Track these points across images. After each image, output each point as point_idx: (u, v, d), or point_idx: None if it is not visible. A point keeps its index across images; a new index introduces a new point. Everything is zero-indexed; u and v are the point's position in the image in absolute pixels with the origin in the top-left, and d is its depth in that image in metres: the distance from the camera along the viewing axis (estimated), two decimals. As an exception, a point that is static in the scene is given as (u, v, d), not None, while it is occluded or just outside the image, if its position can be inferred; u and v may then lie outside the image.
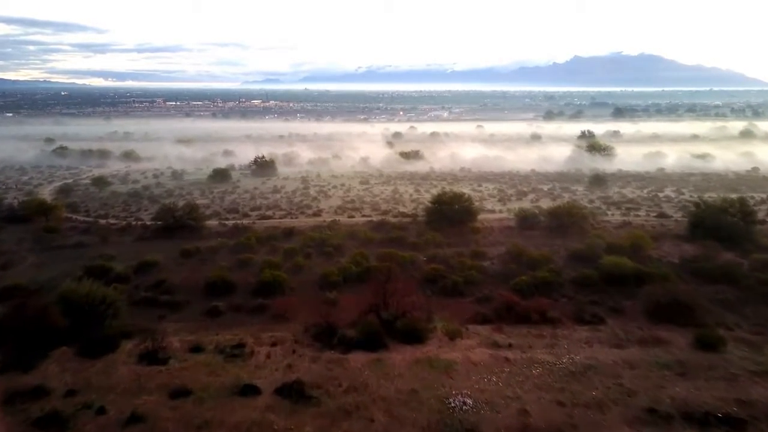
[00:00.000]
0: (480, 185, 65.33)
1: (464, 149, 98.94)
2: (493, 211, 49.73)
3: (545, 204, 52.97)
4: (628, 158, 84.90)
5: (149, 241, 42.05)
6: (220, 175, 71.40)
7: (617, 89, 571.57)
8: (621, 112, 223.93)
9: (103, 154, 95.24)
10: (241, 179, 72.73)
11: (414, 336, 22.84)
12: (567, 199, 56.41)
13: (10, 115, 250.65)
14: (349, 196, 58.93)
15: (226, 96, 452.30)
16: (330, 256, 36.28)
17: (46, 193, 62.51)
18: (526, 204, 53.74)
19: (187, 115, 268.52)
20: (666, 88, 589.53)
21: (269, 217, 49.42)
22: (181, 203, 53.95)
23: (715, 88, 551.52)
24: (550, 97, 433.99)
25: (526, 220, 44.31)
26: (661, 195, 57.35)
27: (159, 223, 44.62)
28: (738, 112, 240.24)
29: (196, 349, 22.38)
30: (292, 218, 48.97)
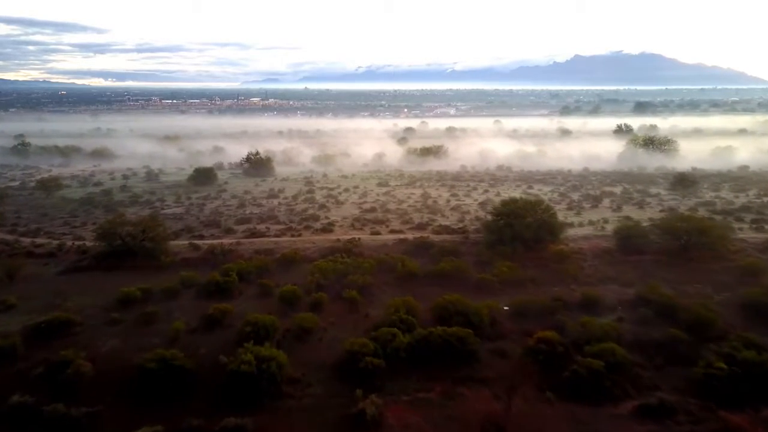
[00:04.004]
0: (530, 187, 51.64)
1: (492, 145, 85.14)
2: (570, 225, 35.97)
3: (632, 213, 39.56)
4: (691, 155, 71.17)
5: (82, 274, 28.57)
6: (204, 175, 57.47)
7: (618, 88, 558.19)
8: (642, 107, 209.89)
9: (71, 152, 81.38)
10: (229, 180, 59.03)
11: None
12: (654, 205, 43.05)
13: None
14: (367, 203, 45.25)
15: (225, 95, 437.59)
16: (354, 307, 22.83)
17: (-22, 200, 48.80)
18: (605, 213, 40.20)
19: (182, 112, 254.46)
20: (669, 87, 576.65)
21: (262, 234, 35.76)
22: (146, 214, 40.82)
23: (719, 87, 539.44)
24: (554, 95, 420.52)
25: (629, 240, 30.72)
26: (778, 200, 43.60)
27: (103, 244, 30.96)
28: (765, 106, 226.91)
29: None
30: (293, 235, 35.37)
